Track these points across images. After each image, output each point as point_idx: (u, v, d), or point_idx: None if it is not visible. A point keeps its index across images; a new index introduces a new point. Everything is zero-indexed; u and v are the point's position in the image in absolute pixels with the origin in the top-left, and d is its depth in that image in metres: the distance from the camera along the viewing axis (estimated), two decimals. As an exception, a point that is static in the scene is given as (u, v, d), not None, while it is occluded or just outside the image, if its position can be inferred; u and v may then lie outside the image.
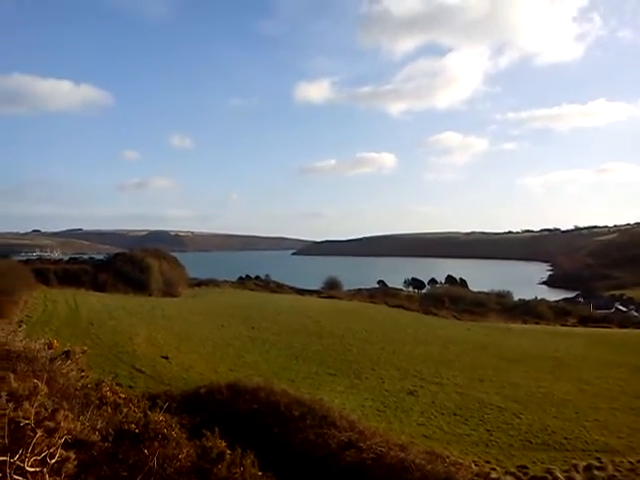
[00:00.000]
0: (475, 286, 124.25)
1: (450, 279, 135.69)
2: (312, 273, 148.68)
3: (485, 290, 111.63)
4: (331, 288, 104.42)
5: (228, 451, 7.37)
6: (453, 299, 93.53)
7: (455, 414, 26.73)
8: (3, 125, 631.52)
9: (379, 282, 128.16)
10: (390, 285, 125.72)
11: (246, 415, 16.62)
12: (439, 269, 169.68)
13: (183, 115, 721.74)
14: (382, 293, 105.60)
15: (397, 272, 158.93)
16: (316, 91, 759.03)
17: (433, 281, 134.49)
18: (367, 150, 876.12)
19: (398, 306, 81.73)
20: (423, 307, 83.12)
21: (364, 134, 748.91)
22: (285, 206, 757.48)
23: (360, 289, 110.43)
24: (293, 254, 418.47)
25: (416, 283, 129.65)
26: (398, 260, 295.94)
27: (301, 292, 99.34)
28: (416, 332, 54.35)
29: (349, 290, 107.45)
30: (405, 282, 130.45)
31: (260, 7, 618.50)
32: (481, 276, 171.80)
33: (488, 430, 24.48)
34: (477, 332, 58.66)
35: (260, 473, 7.84)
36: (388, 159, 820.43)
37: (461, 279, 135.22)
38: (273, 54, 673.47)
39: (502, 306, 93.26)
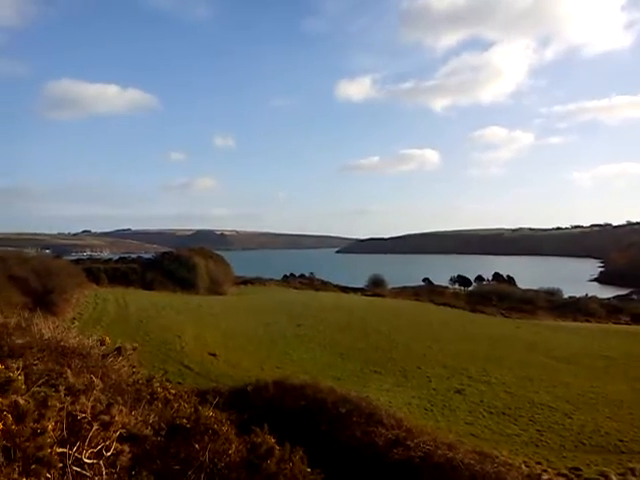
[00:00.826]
0: (523, 283, 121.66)
1: (497, 276, 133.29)
2: (356, 271, 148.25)
3: (534, 287, 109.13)
4: (376, 286, 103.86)
5: (277, 447, 7.38)
6: (501, 296, 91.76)
7: (504, 413, 26.29)
8: (54, 129, 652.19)
9: (424, 280, 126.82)
10: (436, 283, 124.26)
11: (293, 412, 16.69)
12: (485, 266, 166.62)
13: (226, 116, 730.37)
14: (427, 291, 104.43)
15: (442, 269, 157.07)
16: (357, 89, 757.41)
17: (480, 278, 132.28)
18: (410, 147, 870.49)
19: (444, 304, 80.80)
20: (470, 305, 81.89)
21: (407, 131, 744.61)
22: (329, 204, 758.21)
23: (405, 287, 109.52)
24: (337, 252, 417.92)
25: (462, 280, 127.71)
26: (443, 257, 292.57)
27: (345, 290, 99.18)
28: (463, 330, 53.63)
29: (394, 288, 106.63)
30: (451, 280, 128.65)
31: (302, 6, 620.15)
32: (529, 273, 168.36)
33: (538, 430, 23.98)
34: (526, 330, 57.50)
35: (309, 469, 7.83)
36: (431, 155, 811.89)
37: (508, 276, 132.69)
38: (314, 53, 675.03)
39: (551, 304, 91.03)
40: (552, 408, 27.32)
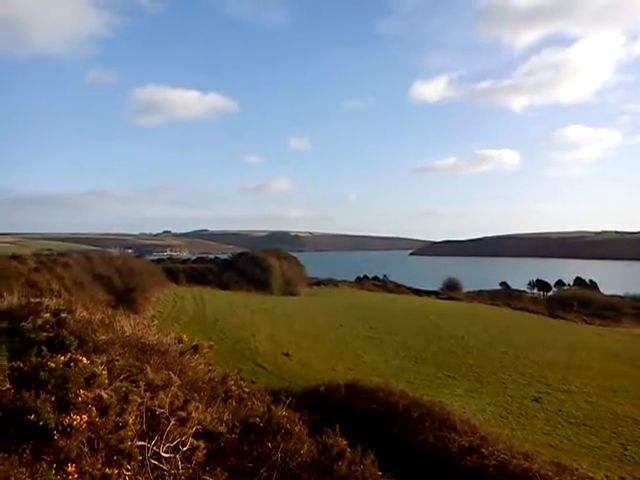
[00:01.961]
0: (607, 289, 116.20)
1: (579, 281, 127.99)
2: (430, 274, 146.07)
3: (619, 293, 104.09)
4: (450, 289, 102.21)
5: (348, 449, 7.40)
6: (582, 302, 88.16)
7: (584, 424, 25.17)
8: (140, 133, 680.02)
9: (501, 284, 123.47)
10: (513, 287, 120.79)
11: (364, 414, 16.65)
12: (566, 270, 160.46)
13: (302, 118, 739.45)
14: (504, 295, 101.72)
15: (520, 273, 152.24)
16: (432, 89, 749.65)
17: (560, 283, 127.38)
18: (487, 147, 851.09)
19: (522, 309, 78.52)
20: (549, 310, 79.23)
21: (483, 131, 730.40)
22: (402, 206, 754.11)
23: (481, 291, 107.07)
24: (411, 254, 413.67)
25: (541, 285, 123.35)
26: (521, 261, 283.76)
27: (419, 293, 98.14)
28: (542, 336, 51.83)
29: (469, 292, 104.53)
30: (529, 284, 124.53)
31: (377, 7, 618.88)
32: (613, 278, 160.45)
33: (622, 444, 22.80)
34: (609, 338, 54.94)
35: (380, 473, 7.80)
36: (509, 156, 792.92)
37: (591, 281, 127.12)
38: (389, 54, 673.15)
39: (638, 310, 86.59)
40: (637, 421, 25.94)
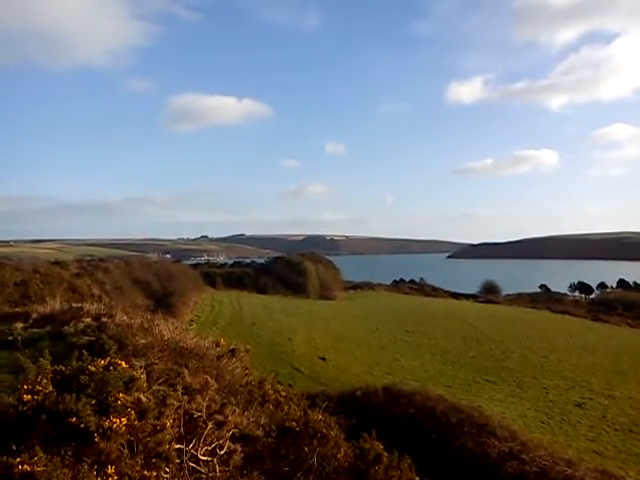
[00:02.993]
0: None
1: (622, 283, 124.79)
2: (468, 277, 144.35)
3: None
4: (488, 292, 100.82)
5: (385, 454, 7.35)
6: (627, 305, 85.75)
7: (631, 430, 24.47)
8: (177, 140, 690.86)
9: (541, 286, 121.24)
10: (553, 289, 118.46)
11: (402, 419, 16.52)
12: (609, 272, 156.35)
13: (337, 122, 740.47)
14: (544, 298, 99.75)
15: (560, 276, 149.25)
16: (468, 90, 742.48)
17: (602, 285, 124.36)
18: (525, 147, 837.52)
19: (563, 312, 76.81)
20: (591, 313, 77.32)
21: (521, 131, 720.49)
22: (438, 208, 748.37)
23: (520, 294, 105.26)
24: (448, 257, 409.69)
25: (583, 287, 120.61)
26: (561, 263, 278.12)
27: (457, 296, 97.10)
28: (584, 340, 50.68)
29: (508, 295, 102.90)
30: (570, 286, 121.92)
31: (412, 9, 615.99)
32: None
33: (671, 452, 22.11)
34: (655, 342, 53.32)
35: (417, 478, 7.74)
36: (548, 156, 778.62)
37: (635, 283, 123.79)
38: (424, 56, 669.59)
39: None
40: (686, 427, 25.13)
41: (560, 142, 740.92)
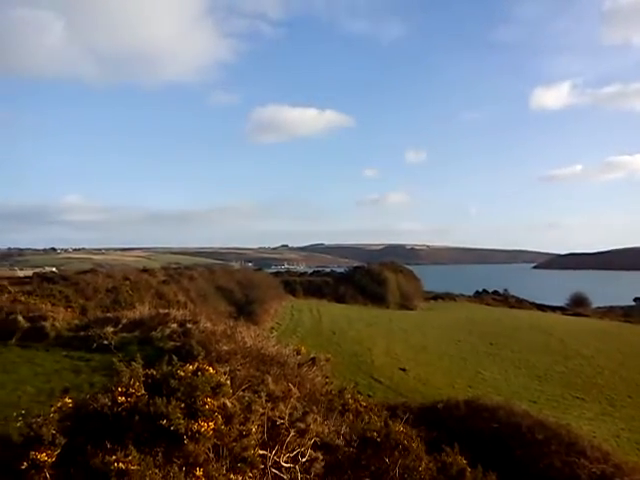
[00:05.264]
0: None
1: None
2: (555, 288, 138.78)
3: None
4: (577, 305, 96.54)
5: (469, 469, 7.23)
6: None
7: None
8: (259, 151, 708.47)
9: (635, 299, 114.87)
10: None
11: (484, 434, 16.09)
12: None
13: (418, 131, 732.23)
14: (639, 311, 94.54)
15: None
16: (554, 95, 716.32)
17: None
18: (617, 153, 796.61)
19: (660, 327, 72.48)
20: (692, 329, 72.54)
21: (613, 136, 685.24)
22: (523, 217, 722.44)
23: (612, 307, 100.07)
24: (534, 267, 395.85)
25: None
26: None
27: (542, 308, 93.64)
28: (682, 357, 47.58)
29: (599, 308, 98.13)
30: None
31: (496, 15, 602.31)
32: None
33: None
34: None
35: (502, 496, 7.54)
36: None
37: None
38: (507, 62, 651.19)
39: None
40: None
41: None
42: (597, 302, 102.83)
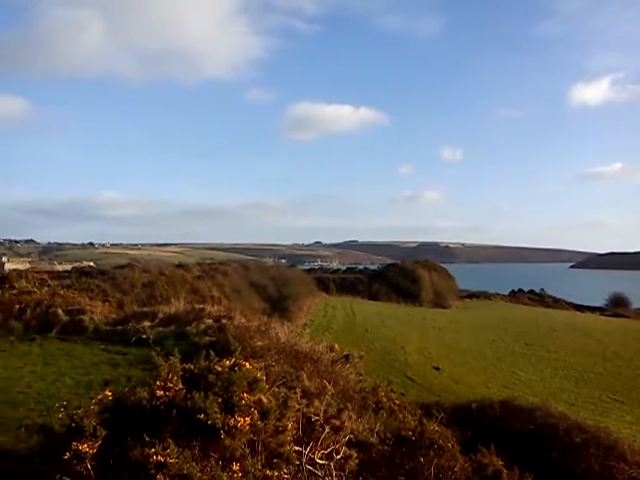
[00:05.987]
0: None
1: None
2: (594, 288, 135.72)
3: None
4: (617, 305, 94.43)
5: (505, 470, 7.15)
6: None
7: None
8: (294, 148, 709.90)
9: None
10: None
11: (520, 435, 15.87)
12: None
13: (454, 128, 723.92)
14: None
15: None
16: (594, 91, 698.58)
17: None
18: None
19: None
20: None
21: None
22: (562, 215, 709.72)
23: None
24: (571, 267, 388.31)
25: None
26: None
27: (580, 308, 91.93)
28: None
29: (639, 308, 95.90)
30: None
31: (535, 9, 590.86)
32: None
33: None
34: None
35: (538, 498, 7.44)
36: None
37: None
38: (545, 58, 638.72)
39: None
40: None
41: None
42: (637, 303, 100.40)
